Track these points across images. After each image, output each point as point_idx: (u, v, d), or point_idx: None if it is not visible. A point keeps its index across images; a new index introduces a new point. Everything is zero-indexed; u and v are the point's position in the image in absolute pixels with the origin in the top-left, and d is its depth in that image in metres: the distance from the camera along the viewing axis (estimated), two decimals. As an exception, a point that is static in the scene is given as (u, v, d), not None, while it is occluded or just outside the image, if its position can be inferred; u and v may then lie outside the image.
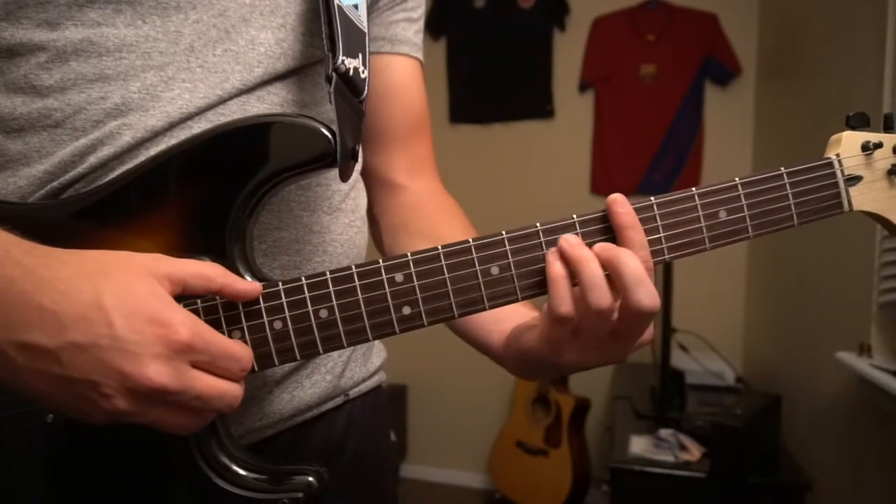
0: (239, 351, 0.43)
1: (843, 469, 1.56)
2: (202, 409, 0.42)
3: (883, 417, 1.35)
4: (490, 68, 2.84)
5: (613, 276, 0.45)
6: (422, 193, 0.70)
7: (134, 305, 0.39)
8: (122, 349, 0.38)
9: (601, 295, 0.45)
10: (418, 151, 0.71)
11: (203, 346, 0.41)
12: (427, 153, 0.73)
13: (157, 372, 0.38)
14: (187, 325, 0.40)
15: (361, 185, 0.69)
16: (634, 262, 0.45)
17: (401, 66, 0.69)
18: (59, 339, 0.38)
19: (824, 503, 1.62)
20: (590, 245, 0.47)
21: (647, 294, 0.44)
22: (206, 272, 0.43)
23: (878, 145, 0.50)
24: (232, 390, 0.43)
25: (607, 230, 0.48)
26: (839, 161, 0.50)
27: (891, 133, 0.51)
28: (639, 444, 1.78)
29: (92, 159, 0.49)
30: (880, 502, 1.37)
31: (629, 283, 0.44)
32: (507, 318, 0.56)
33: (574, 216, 0.49)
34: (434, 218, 0.68)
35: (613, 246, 0.46)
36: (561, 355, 0.48)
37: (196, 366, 0.41)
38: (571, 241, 0.46)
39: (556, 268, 0.46)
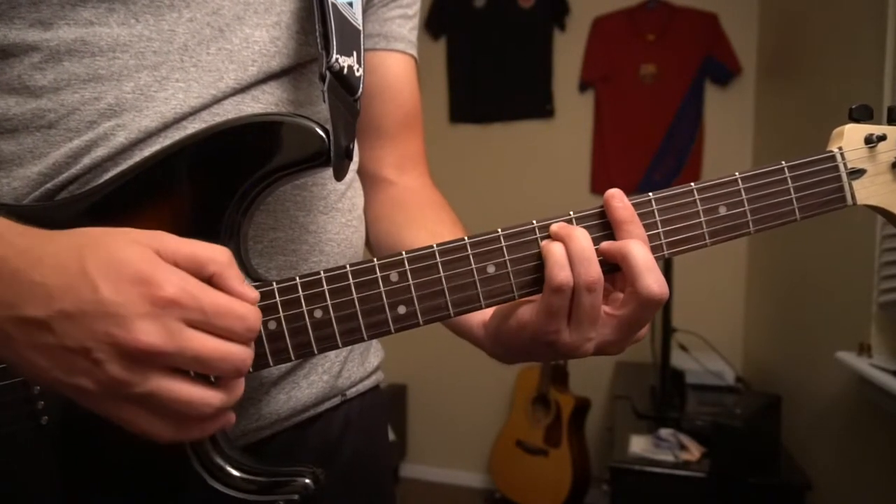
0: (239, 307, 0.40)
1: (843, 469, 1.56)
2: (206, 373, 0.40)
3: (883, 417, 1.35)
4: (490, 68, 2.84)
5: (622, 265, 0.46)
6: (409, 189, 0.71)
7: (118, 269, 0.38)
8: (107, 312, 0.37)
9: (590, 267, 0.45)
10: (408, 147, 0.72)
11: (192, 303, 0.38)
12: (417, 149, 0.73)
13: (145, 331, 0.37)
14: (173, 281, 0.38)
15: (358, 184, 0.68)
16: (643, 250, 0.45)
17: (395, 63, 0.69)
18: (50, 310, 0.38)
19: (824, 503, 1.62)
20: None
21: (656, 280, 0.45)
22: (199, 255, 0.40)
23: (882, 138, 0.49)
24: (237, 352, 0.40)
25: (605, 226, 0.48)
26: (842, 154, 0.50)
27: (895, 125, 0.50)
28: (639, 444, 1.78)
29: (86, 160, 0.49)
30: (880, 502, 1.37)
31: (639, 270, 0.45)
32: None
33: (571, 213, 0.49)
34: (422, 210, 0.68)
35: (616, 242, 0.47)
36: (558, 332, 0.47)
37: (192, 326, 0.39)
38: (562, 224, 0.47)
39: (550, 243, 0.47)
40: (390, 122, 0.70)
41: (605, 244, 0.47)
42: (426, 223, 0.65)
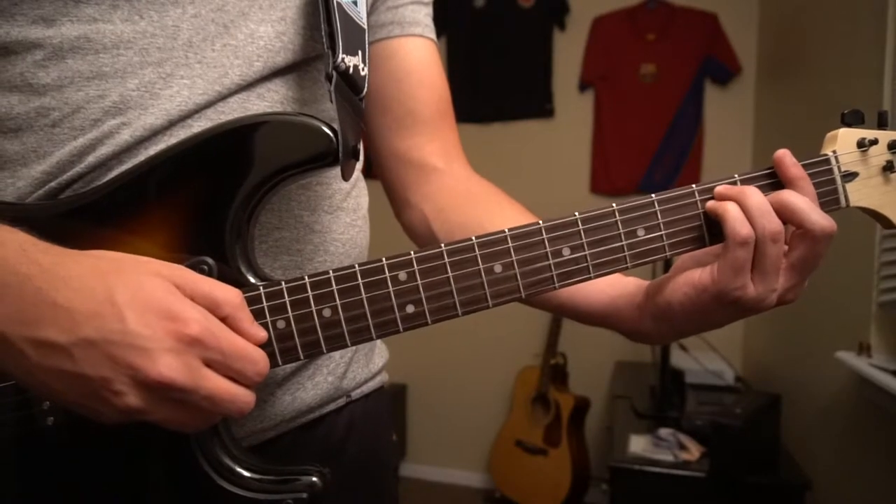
0: (253, 352, 0.42)
1: (843, 468, 1.57)
2: (210, 411, 0.41)
3: (883, 417, 1.35)
4: (490, 68, 2.84)
5: (786, 213, 0.48)
6: (464, 177, 0.68)
7: (146, 301, 0.39)
8: (133, 344, 0.38)
9: (771, 218, 0.47)
10: (448, 134, 0.69)
11: (214, 343, 0.40)
12: (456, 137, 0.70)
13: (168, 366, 0.38)
14: (198, 320, 0.40)
15: (363, 183, 0.68)
16: (798, 196, 0.48)
17: (416, 46, 0.66)
18: (72, 336, 0.38)
19: (824, 502, 1.62)
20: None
21: (821, 215, 0.47)
22: (216, 296, 0.42)
23: (874, 142, 0.51)
24: (243, 395, 0.42)
25: (771, 186, 0.50)
26: (836, 158, 0.51)
27: (885, 130, 0.52)
28: (638, 444, 1.78)
29: (90, 159, 0.49)
30: (880, 502, 1.37)
31: (803, 211, 0.47)
32: (618, 283, 0.57)
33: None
34: (492, 198, 0.66)
35: (771, 193, 0.49)
36: (745, 286, 0.48)
37: (209, 365, 0.41)
38: (727, 185, 0.50)
39: (723, 203, 0.48)
40: (424, 106, 0.67)
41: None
42: (506, 213, 0.63)
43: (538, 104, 2.80)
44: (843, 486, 1.56)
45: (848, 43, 1.62)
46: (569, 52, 2.75)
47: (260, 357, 0.43)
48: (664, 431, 1.81)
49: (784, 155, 0.49)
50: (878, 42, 1.39)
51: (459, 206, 0.65)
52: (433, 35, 0.69)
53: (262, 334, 0.44)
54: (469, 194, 0.66)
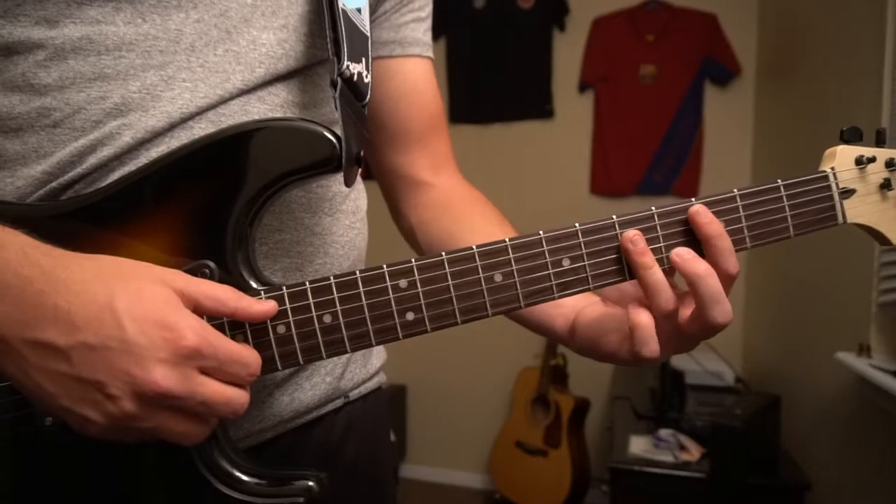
0: (247, 356, 0.43)
1: (843, 469, 1.57)
2: (206, 414, 0.42)
3: (882, 417, 1.36)
4: (490, 68, 2.84)
5: (692, 292, 0.48)
6: (448, 188, 0.71)
7: (144, 310, 0.40)
8: (130, 352, 0.39)
9: (666, 298, 0.47)
10: (439, 148, 0.72)
11: (211, 352, 0.41)
12: (447, 148, 0.73)
13: (164, 376, 0.39)
14: (195, 330, 0.40)
15: (362, 185, 0.69)
16: (712, 281, 0.47)
17: (414, 67, 0.69)
18: (71, 339, 0.39)
19: (824, 503, 1.62)
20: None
21: (721, 312, 0.47)
22: (219, 295, 0.44)
23: (872, 160, 0.51)
24: (238, 397, 0.43)
25: (686, 227, 0.49)
26: (834, 174, 0.51)
27: (883, 148, 0.52)
28: (638, 445, 1.78)
29: (91, 160, 0.49)
30: (880, 502, 1.37)
31: (707, 302, 0.47)
32: (564, 302, 0.58)
33: (576, 224, 0.49)
34: (469, 212, 0.69)
35: (694, 259, 0.48)
36: (641, 359, 0.50)
37: (204, 371, 0.41)
38: (640, 246, 0.48)
39: (642, 317, 0.48)
40: (417, 124, 0.70)
41: (678, 259, 0.48)
42: (475, 226, 0.66)
43: (538, 105, 2.80)
44: (843, 487, 1.56)
45: (848, 43, 1.62)
46: (569, 53, 2.75)
47: (253, 359, 0.44)
48: (664, 432, 1.81)
49: (696, 213, 0.48)
50: (877, 42, 1.40)
51: (438, 218, 0.69)
52: (430, 52, 0.71)
53: (272, 305, 0.46)
54: (448, 206, 0.69)
